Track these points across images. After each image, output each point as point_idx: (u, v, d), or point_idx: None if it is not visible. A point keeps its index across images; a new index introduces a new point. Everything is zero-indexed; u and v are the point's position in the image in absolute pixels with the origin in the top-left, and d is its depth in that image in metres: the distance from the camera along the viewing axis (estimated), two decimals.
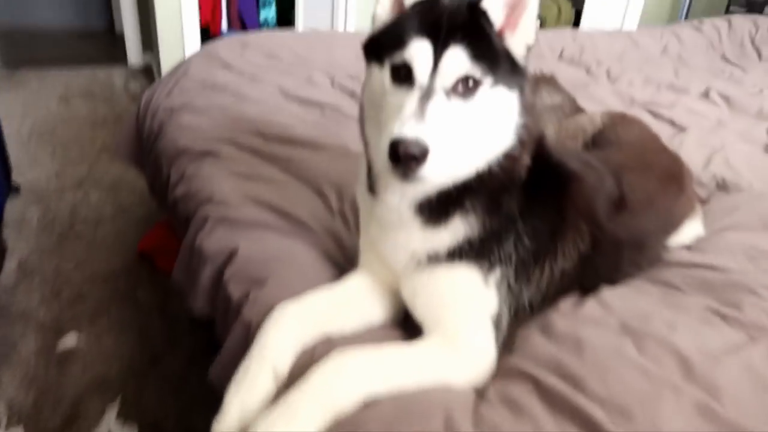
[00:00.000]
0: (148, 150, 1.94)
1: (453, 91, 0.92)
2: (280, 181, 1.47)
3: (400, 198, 1.02)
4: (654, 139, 1.56)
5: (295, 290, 1.10)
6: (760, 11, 4.04)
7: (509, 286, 1.10)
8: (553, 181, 1.13)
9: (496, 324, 1.07)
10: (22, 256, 2.44)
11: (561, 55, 2.93)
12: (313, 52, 2.37)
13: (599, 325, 1.08)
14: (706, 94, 2.53)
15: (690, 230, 1.45)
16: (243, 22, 4.34)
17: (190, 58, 2.25)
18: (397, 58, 0.93)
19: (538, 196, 1.09)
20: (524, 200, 1.07)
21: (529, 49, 1.01)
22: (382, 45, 0.98)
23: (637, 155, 1.39)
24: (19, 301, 2.19)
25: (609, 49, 3.01)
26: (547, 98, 1.99)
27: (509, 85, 0.96)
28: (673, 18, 4.76)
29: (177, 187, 1.56)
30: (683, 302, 1.17)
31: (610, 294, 1.19)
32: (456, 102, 0.92)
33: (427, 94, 0.90)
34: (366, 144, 1.06)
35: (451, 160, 0.92)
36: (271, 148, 1.63)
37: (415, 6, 0.99)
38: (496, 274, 1.07)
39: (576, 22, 5.13)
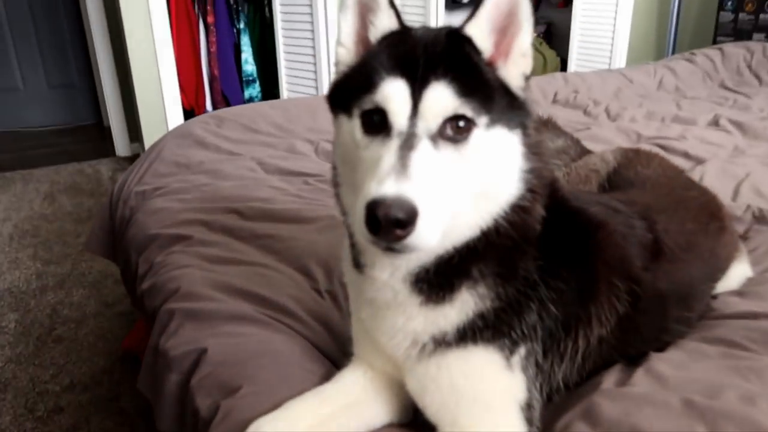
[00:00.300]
0: (120, 239, 1.77)
1: (440, 135, 0.74)
2: (258, 263, 1.29)
3: (391, 273, 0.83)
4: (678, 173, 1.38)
5: (277, 397, 0.90)
6: (749, 39, 3.98)
7: (538, 364, 0.90)
8: (575, 232, 0.94)
9: (527, 414, 0.87)
10: None
11: (555, 99, 2.82)
12: (294, 120, 2.24)
13: (656, 405, 0.87)
14: (715, 123, 2.38)
15: (738, 272, 1.25)
16: (228, 102, 4.29)
17: (163, 139, 2.12)
18: (367, 103, 0.76)
19: (560, 252, 0.90)
20: (544, 259, 0.87)
21: (527, 78, 0.84)
22: (348, 91, 0.80)
23: (666, 193, 1.21)
24: None
25: (603, 88, 2.90)
26: (549, 143, 1.84)
27: (509, 124, 0.79)
28: (660, 55, 4.72)
29: (144, 280, 1.37)
30: (754, 365, 0.95)
31: (661, 362, 0.98)
32: (446, 149, 0.74)
33: (408, 142, 0.72)
34: (344, 212, 0.88)
35: (445, 222, 0.73)
36: (249, 226, 1.46)
37: (383, 40, 0.82)
38: (521, 352, 0.87)
39: (563, 70, 5.10)
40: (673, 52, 4.51)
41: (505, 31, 0.81)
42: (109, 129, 4.78)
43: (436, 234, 0.70)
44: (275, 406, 0.87)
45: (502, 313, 0.85)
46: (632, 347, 1.01)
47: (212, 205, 1.57)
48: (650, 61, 4.15)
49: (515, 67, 0.82)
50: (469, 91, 0.75)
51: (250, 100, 4.41)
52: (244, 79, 4.39)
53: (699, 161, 1.99)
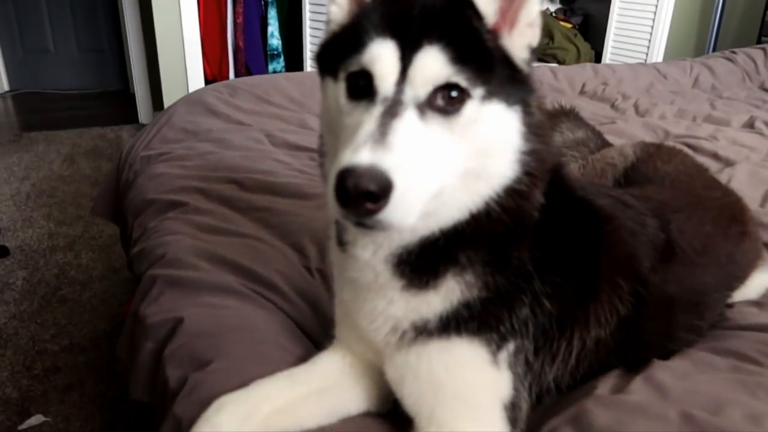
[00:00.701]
0: (121, 203, 1.74)
1: (429, 105, 0.67)
2: (251, 236, 1.24)
3: (373, 252, 0.77)
4: (702, 172, 1.29)
5: (247, 374, 0.85)
6: None
7: (528, 362, 0.83)
8: (578, 224, 0.87)
9: (511, 414, 0.81)
10: None
11: (582, 90, 2.71)
12: (308, 94, 2.18)
13: (652, 417, 0.81)
14: (750, 125, 2.26)
15: (759, 282, 1.16)
16: (251, 73, 4.25)
17: (175, 105, 2.09)
18: (353, 64, 0.70)
19: (560, 244, 0.83)
20: (541, 250, 0.80)
21: (533, 51, 0.76)
22: (336, 52, 0.74)
23: (685, 191, 1.13)
24: None
25: (634, 83, 2.78)
26: (569, 133, 1.75)
27: (508, 99, 0.71)
28: (699, 53, 4.53)
29: (137, 244, 1.34)
30: (764, 381, 0.87)
31: (663, 371, 0.91)
32: (434, 120, 0.67)
33: (392, 109, 0.65)
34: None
35: (427, 200, 0.66)
36: (247, 197, 1.41)
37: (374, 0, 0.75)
38: (509, 348, 0.80)
39: (597, 63, 4.94)
40: (714, 51, 4.33)
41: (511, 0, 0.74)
42: (134, 96, 4.80)
43: (413, 212, 0.64)
44: (244, 384, 0.83)
45: (490, 305, 0.78)
46: (633, 353, 0.94)
47: (213, 174, 1.53)
48: (689, 57, 3.98)
49: (521, 38, 0.74)
50: (465, 59, 0.68)
51: (274, 73, 4.37)
52: (269, 52, 4.34)
53: (728, 163, 1.88)
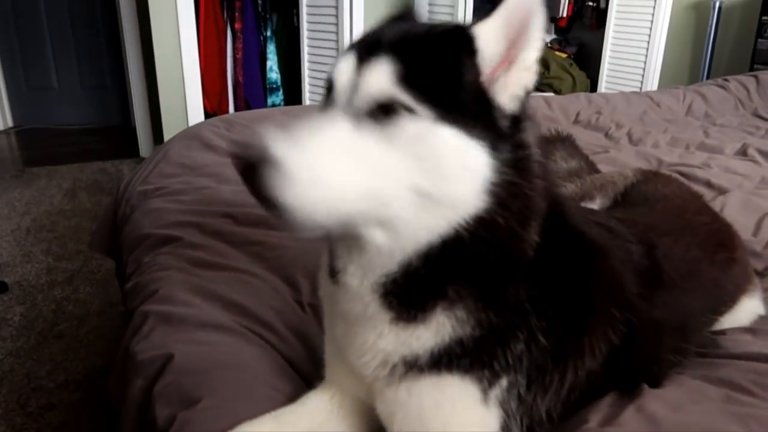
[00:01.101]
0: (118, 238, 1.75)
1: (369, 115, 0.69)
2: (244, 270, 1.25)
3: (361, 279, 0.77)
4: (695, 198, 1.31)
5: (236, 414, 0.85)
6: None
7: (520, 397, 0.82)
8: (572, 258, 0.86)
9: None
10: None
11: (576, 119, 2.73)
12: None
13: None
14: (743, 152, 2.27)
15: (749, 307, 1.16)
16: (250, 107, 4.31)
17: (171, 141, 2.11)
18: (327, 79, 0.75)
19: (555, 279, 0.83)
20: (538, 287, 0.80)
21: (527, 93, 0.75)
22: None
23: (674, 216, 1.14)
24: None
25: (628, 111, 2.80)
26: (562, 162, 1.77)
27: (471, 132, 0.70)
28: (693, 81, 4.59)
29: (130, 279, 1.34)
30: (758, 412, 0.86)
31: (655, 401, 0.90)
32: (370, 129, 0.68)
33: (330, 115, 0.70)
34: None
35: (350, 199, 0.67)
36: (241, 231, 1.42)
37: (384, 21, 0.80)
38: (502, 384, 0.79)
39: (592, 92, 5.00)
40: (708, 78, 4.38)
41: (514, 40, 0.74)
42: (135, 130, 4.86)
43: (320, 205, 0.65)
44: (233, 424, 0.82)
45: (484, 342, 0.77)
46: (622, 378, 0.94)
47: (208, 208, 1.54)
48: (684, 85, 4.03)
49: (517, 79, 0.74)
50: (419, 80, 0.68)
51: (273, 107, 4.42)
52: (268, 86, 4.41)
53: (722, 191, 1.89)
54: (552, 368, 0.84)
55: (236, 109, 4.32)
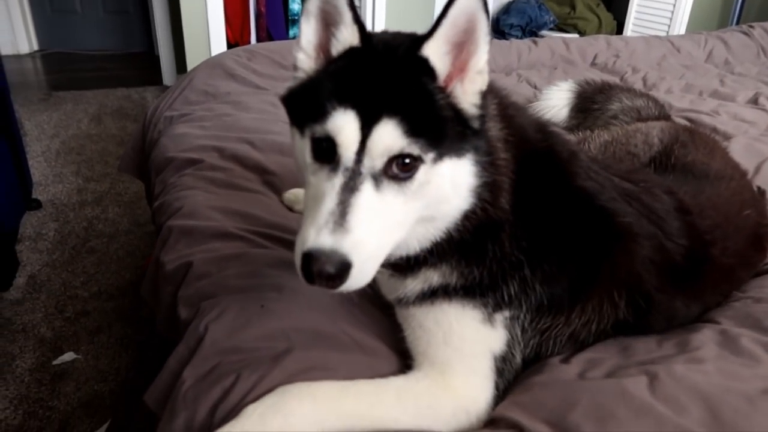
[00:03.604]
0: (147, 160, 1.87)
1: (385, 174, 0.76)
2: (257, 191, 1.36)
3: None
4: (742, 176, 1.34)
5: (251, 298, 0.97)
6: None
7: (523, 327, 0.95)
8: (574, 221, 0.94)
9: (500, 365, 0.93)
10: (33, 271, 2.42)
11: (594, 62, 2.74)
12: None
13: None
14: (754, 101, 2.29)
15: None
16: (272, 38, 4.32)
17: (195, 69, 2.20)
18: (318, 131, 0.77)
19: (554, 238, 0.92)
20: (529, 241, 0.90)
21: (483, 96, 0.83)
22: (302, 110, 0.82)
23: (733, 212, 1.15)
24: (23, 316, 2.16)
25: (646, 56, 2.80)
26: (628, 102, 1.82)
27: (458, 152, 0.80)
28: (723, 25, 4.47)
29: (158, 198, 1.47)
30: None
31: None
32: (389, 188, 0.76)
33: (351, 182, 0.74)
34: None
35: (384, 255, 0.78)
36: (258, 156, 1.52)
37: (341, 58, 0.81)
38: (504, 314, 0.93)
39: (618, 34, 4.90)
40: (738, 23, 4.27)
41: (462, 47, 0.80)
42: (158, 58, 4.91)
43: (369, 276, 0.75)
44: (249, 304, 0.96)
45: (475, 284, 0.90)
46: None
47: (229, 134, 1.64)
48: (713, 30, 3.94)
49: (471, 85, 0.81)
50: (418, 129, 0.75)
51: (293, 39, 4.43)
52: (290, 18, 4.40)
53: (726, 137, 1.93)
54: (549, 314, 0.95)
55: (258, 39, 4.33)
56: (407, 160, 0.75)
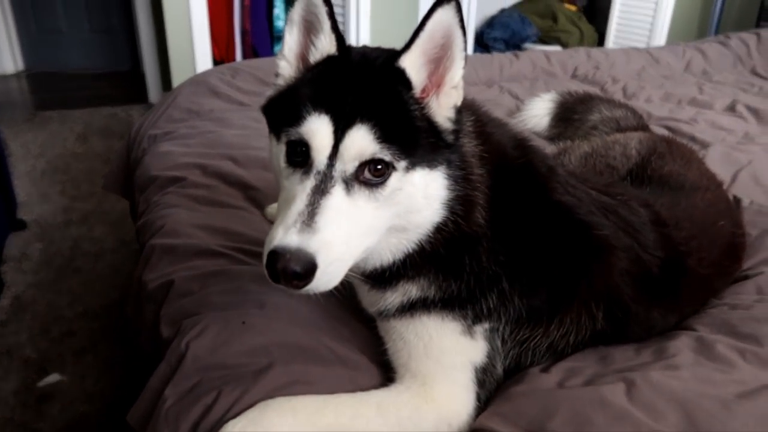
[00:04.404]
0: (132, 179, 1.88)
1: (356, 179, 0.77)
2: (240, 207, 1.37)
3: None
4: (717, 187, 1.36)
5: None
6: None
7: (503, 339, 0.96)
8: (556, 236, 0.95)
9: (481, 376, 0.94)
10: (18, 292, 2.40)
11: (574, 74, 2.79)
12: None
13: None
14: (731, 108, 2.34)
15: None
16: (257, 55, 4.35)
17: (179, 87, 2.21)
18: (293, 134, 0.79)
19: (532, 251, 0.94)
20: (507, 255, 0.92)
21: (459, 111, 0.85)
22: (279, 116, 0.84)
23: (708, 223, 1.17)
24: (7, 338, 2.14)
25: (626, 67, 2.85)
26: (607, 113, 1.85)
27: (431, 163, 0.81)
28: (702, 35, 4.56)
29: (142, 217, 1.47)
30: None
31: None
32: (360, 193, 0.77)
33: (322, 186, 0.76)
34: None
35: (354, 260, 0.79)
36: (241, 172, 1.53)
37: (318, 65, 0.84)
38: (485, 326, 0.94)
39: (600, 45, 4.97)
40: (717, 33, 4.35)
41: (438, 62, 0.82)
42: (143, 76, 4.91)
43: (336, 278, 0.76)
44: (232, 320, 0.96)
45: (454, 297, 0.91)
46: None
47: (211, 151, 1.65)
48: (692, 40, 4.01)
49: (446, 99, 0.84)
50: (391, 136, 0.77)
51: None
52: (275, 35, 4.43)
53: (704, 145, 1.97)
54: (528, 325, 0.96)
55: (244, 56, 4.35)
56: (379, 166, 0.77)
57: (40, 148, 3.84)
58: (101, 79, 5.64)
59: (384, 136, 0.76)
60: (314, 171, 0.77)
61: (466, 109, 0.91)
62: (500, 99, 2.37)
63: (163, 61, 4.61)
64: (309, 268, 0.71)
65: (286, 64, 0.88)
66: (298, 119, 0.78)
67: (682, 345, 0.96)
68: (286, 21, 0.88)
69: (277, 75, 0.89)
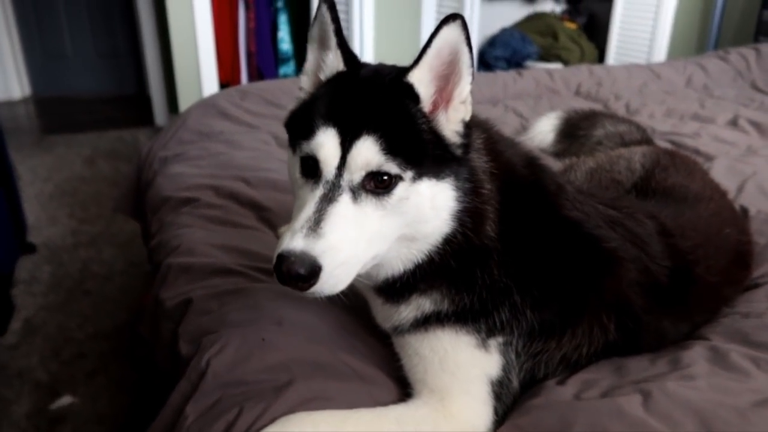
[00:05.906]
0: (142, 200, 1.90)
1: (363, 188, 0.80)
2: (253, 227, 1.39)
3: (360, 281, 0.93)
4: (722, 197, 1.37)
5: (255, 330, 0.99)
6: None
7: (517, 352, 0.97)
8: (566, 251, 0.97)
9: (497, 389, 0.95)
10: (28, 314, 2.42)
11: (577, 91, 2.82)
12: None
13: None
14: (734, 122, 2.36)
15: None
16: (263, 77, 4.41)
17: (189, 109, 2.24)
18: (305, 148, 0.83)
19: (543, 265, 0.95)
20: (518, 268, 0.93)
21: (467, 126, 0.88)
22: (296, 129, 0.88)
23: (713, 231, 1.18)
24: (18, 360, 2.15)
25: (628, 83, 2.88)
26: (611, 128, 1.87)
27: (438, 174, 0.84)
28: (701, 50, 4.61)
29: (155, 237, 1.49)
30: None
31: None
32: (367, 201, 0.80)
33: (329, 194, 0.79)
34: None
35: (362, 267, 0.81)
36: (253, 193, 1.55)
37: (329, 81, 0.88)
38: (498, 339, 0.95)
39: (600, 62, 5.03)
40: (716, 48, 4.40)
41: (447, 78, 0.85)
42: (150, 99, 4.98)
43: (343, 282, 0.79)
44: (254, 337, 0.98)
45: (467, 309, 0.92)
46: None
47: (223, 172, 1.68)
48: (692, 56, 4.06)
49: (455, 113, 0.86)
50: (397, 147, 0.79)
51: (285, 78, 4.51)
52: (279, 57, 4.49)
53: (709, 158, 1.99)
54: (541, 338, 0.97)
55: (249, 78, 4.41)
56: (385, 177, 0.80)
57: (48, 172, 3.88)
58: (107, 103, 5.72)
59: (390, 147, 0.79)
60: (323, 181, 0.80)
61: (478, 127, 0.94)
62: (505, 118, 2.40)
63: (169, 85, 4.68)
64: (312, 271, 0.74)
65: (306, 78, 0.92)
66: (309, 133, 0.82)
67: (696, 355, 0.97)
68: (290, 50, 0.92)
69: (300, 89, 0.93)
